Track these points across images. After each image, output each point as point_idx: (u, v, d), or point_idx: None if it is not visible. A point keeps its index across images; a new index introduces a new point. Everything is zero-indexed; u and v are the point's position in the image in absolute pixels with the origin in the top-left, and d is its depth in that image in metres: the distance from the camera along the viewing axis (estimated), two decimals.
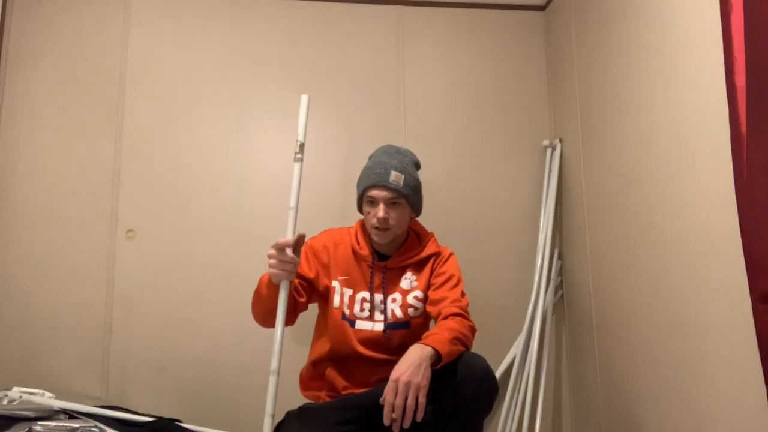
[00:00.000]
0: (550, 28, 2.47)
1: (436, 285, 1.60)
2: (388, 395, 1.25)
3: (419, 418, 1.25)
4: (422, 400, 1.25)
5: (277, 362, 1.43)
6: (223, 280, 2.18)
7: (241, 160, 2.26)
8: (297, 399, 1.66)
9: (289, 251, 1.44)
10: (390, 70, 2.40)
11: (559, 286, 2.32)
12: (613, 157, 1.93)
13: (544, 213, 2.31)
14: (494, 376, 1.40)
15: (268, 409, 1.40)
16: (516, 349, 2.19)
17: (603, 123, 2.00)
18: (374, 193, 1.58)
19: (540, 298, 2.20)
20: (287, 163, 2.28)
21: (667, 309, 1.61)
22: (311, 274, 1.64)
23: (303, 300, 1.63)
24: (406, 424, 1.25)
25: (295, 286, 1.61)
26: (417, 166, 1.71)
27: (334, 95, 2.35)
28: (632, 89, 1.80)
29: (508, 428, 2.10)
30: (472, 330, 1.50)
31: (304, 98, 1.57)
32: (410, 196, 1.61)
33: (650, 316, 1.70)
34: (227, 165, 2.25)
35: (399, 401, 1.24)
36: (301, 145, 1.52)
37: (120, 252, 2.15)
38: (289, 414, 1.56)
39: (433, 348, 1.32)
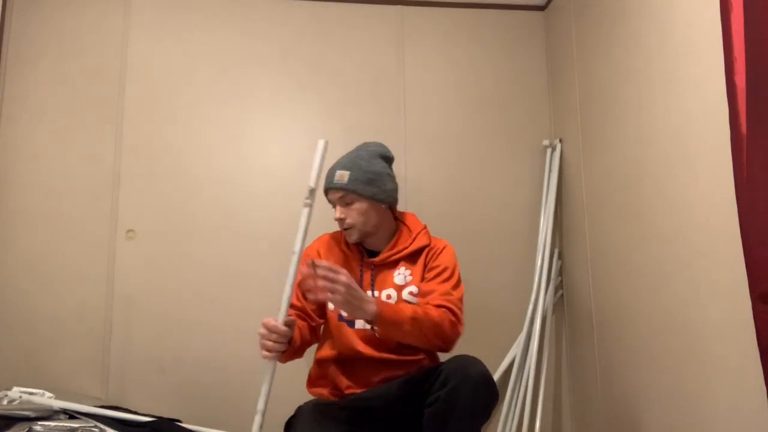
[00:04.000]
0: (550, 28, 2.47)
1: (428, 278, 1.58)
2: (329, 272, 1.31)
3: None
4: (333, 294, 1.31)
5: (264, 403, 1.37)
6: (223, 280, 2.18)
7: (241, 160, 2.26)
8: (298, 397, 1.65)
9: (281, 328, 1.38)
10: (390, 70, 2.40)
11: (559, 286, 2.32)
12: (613, 157, 1.93)
13: (544, 213, 2.31)
14: (493, 382, 1.37)
15: None
16: (516, 350, 2.19)
17: (603, 123, 2.00)
18: (328, 197, 1.63)
19: (540, 298, 2.20)
20: (287, 163, 2.29)
21: (667, 309, 1.61)
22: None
23: (315, 323, 1.64)
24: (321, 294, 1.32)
25: (309, 314, 1.61)
26: (383, 158, 1.68)
27: (335, 95, 2.35)
28: (632, 89, 1.80)
29: (508, 428, 2.10)
30: (453, 325, 1.46)
31: (321, 143, 1.44)
32: (361, 189, 1.57)
33: (650, 315, 1.70)
34: (227, 165, 2.25)
35: (324, 283, 1.31)
36: (312, 191, 1.41)
37: (120, 252, 2.15)
38: (300, 408, 1.56)
39: (377, 311, 1.35)
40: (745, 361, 1.28)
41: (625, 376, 1.85)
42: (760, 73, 1.17)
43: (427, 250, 1.63)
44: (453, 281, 1.56)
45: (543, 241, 2.27)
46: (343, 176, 1.58)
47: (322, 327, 1.71)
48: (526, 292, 2.26)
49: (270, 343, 1.37)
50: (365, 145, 1.72)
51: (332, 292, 1.32)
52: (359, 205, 1.59)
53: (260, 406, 1.37)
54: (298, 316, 1.61)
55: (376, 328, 1.47)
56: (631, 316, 1.82)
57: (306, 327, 1.60)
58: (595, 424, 2.05)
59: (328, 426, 1.41)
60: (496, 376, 2.19)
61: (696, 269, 1.48)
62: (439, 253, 1.61)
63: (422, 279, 1.60)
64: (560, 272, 2.32)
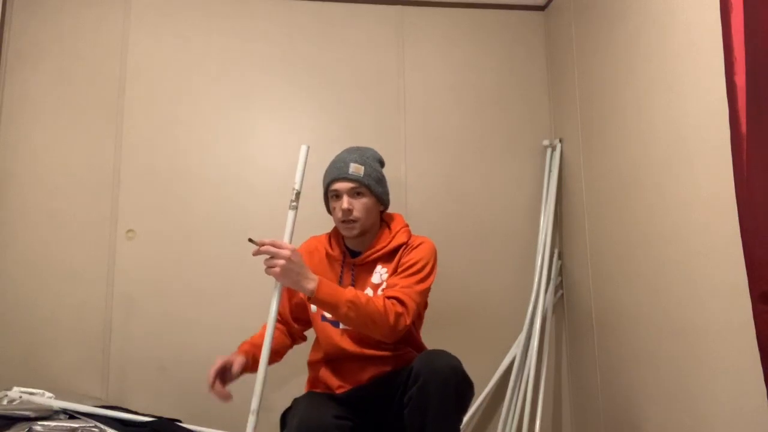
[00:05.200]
0: (550, 28, 2.47)
1: (398, 273, 1.57)
2: (267, 245, 1.39)
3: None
4: (274, 263, 1.37)
5: (258, 402, 1.40)
6: (223, 279, 2.18)
7: (241, 160, 2.26)
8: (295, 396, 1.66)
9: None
10: (390, 70, 2.40)
11: (559, 286, 2.32)
12: (613, 157, 1.93)
13: (544, 213, 2.31)
14: (463, 374, 1.36)
15: None
16: (516, 349, 2.19)
17: (603, 123, 2.00)
18: (336, 186, 1.61)
19: (540, 298, 2.20)
20: (287, 163, 2.29)
21: (667, 309, 1.61)
22: (287, 293, 1.71)
23: (292, 329, 1.73)
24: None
25: (287, 320, 1.72)
26: (381, 162, 1.73)
27: (335, 95, 2.35)
28: (632, 89, 1.80)
29: (508, 428, 2.10)
30: (398, 317, 1.44)
31: (304, 148, 1.52)
32: (373, 186, 1.61)
33: (650, 315, 1.70)
34: (227, 165, 2.25)
35: (266, 248, 1.39)
36: (297, 194, 1.49)
37: (120, 252, 2.15)
38: (296, 399, 1.57)
39: (315, 288, 1.38)
40: (745, 361, 1.28)
41: (625, 376, 1.85)
42: (760, 73, 1.17)
43: (403, 247, 1.63)
44: (420, 276, 1.55)
45: (543, 241, 2.27)
46: (359, 169, 1.61)
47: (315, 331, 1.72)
48: (526, 292, 2.26)
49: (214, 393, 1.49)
50: (364, 148, 1.72)
51: (270, 266, 1.38)
52: (367, 200, 1.61)
53: (254, 406, 1.38)
54: (279, 317, 1.71)
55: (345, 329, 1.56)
56: (631, 315, 1.82)
57: (279, 335, 1.69)
58: (595, 424, 2.05)
59: (322, 407, 1.42)
60: (495, 376, 2.19)
61: (696, 269, 1.48)
62: (414, 249, 1.60)
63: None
64: (560, 272, 2.32)
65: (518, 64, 2.47)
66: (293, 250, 1.39)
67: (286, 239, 1.42)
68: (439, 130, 2.38)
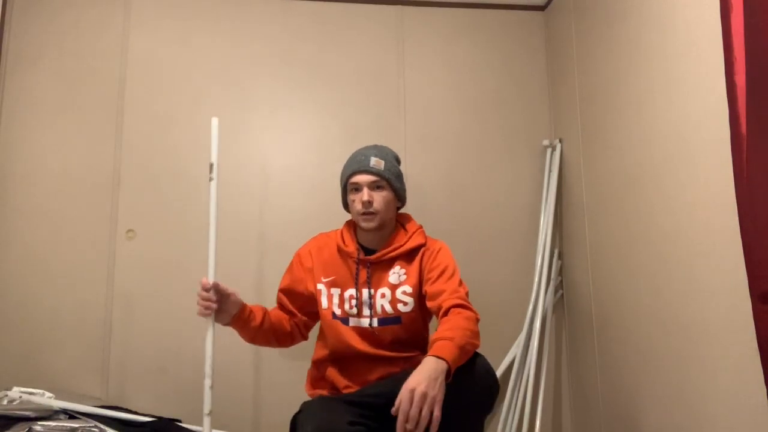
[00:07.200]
0: (550, 28, 2.47)
1: (432, 279, 1.57)
2: (404, 404, 1.21)
3: (433, 431, 1.22)
4: (437, 413, 1.22)
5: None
6: (223, 279, 2.17)
7: (241, 160, 2.26)
8: (298, 399, 1.65)
9: (211, 292, 1.51)
10: (390, 70, 2.40)
11: (559, 286, 2.32)
12: (613, 157, 1.93)
13: (544, 213, 2.31)
14: (494, 375, 1.40)
15: None
16: (516, 349, 2.19)
17: (603, 123, 2.01)
18: (357, 178, 1.63)
19: (540, 298, 2.20)
20: (287, 163, 2.29)
21: (668, 309, 1.61)
22: (293, 286, 1.70)
23: (297, 318, 1.71)
24: None
25: (282, 305, 1.72)
26: (398, 160, 1.76)
27: (334, 95, 2.35)
28: (632, 89, 1.80)
29: (508, 428, 2.10)
30: (477, 321, 1.47)
31: (215, 120, 1.62)
32: (392, 180, 1.65)
33: (650, 315, 1.70)
34: (227, 165, 2.24)
35: (414, 412, 1.20)
36: (211, 165, 1.57)
37: (120, 252, 2.15)
38: (306, 402, 1.55)
39: (447, 363, 1.27)
40: (745, 361, 1.28)
41: (625, 376, 1.85)
42: (760, 73, 1.17)
43: (423, 250, 1.64)
44: (457, 278, 1.57)
45: (543, 241, 2.27)
46: (380, 163, 1.64)
47: (320, 326, 1.71)
48: (526, 291, 2.26)
49: (200, 300, 1.50)
50: (382, 146, 1.75)
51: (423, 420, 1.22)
52: (387, 194, 1.64)
53: (207, 370, 1.46)
54: (281, 308, 1.72)
55: (376, 329, 1.58)
56: (631, 315, 1.82)
57: (283, 318, 1.69)
58: (595, 424, 2.05)
59: (336, 413, 1.39)
60: (496, 374, 2.19)
61: (696, 269, 1.48)
62: (437, 253, 1.62)
63: (417, 279, 1.60)
64: (560, 272, 2.32)
65: (518, 63, 2.47)
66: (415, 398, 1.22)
67: (212, 212, 1.56)
68: (439, 130, 2.38)
